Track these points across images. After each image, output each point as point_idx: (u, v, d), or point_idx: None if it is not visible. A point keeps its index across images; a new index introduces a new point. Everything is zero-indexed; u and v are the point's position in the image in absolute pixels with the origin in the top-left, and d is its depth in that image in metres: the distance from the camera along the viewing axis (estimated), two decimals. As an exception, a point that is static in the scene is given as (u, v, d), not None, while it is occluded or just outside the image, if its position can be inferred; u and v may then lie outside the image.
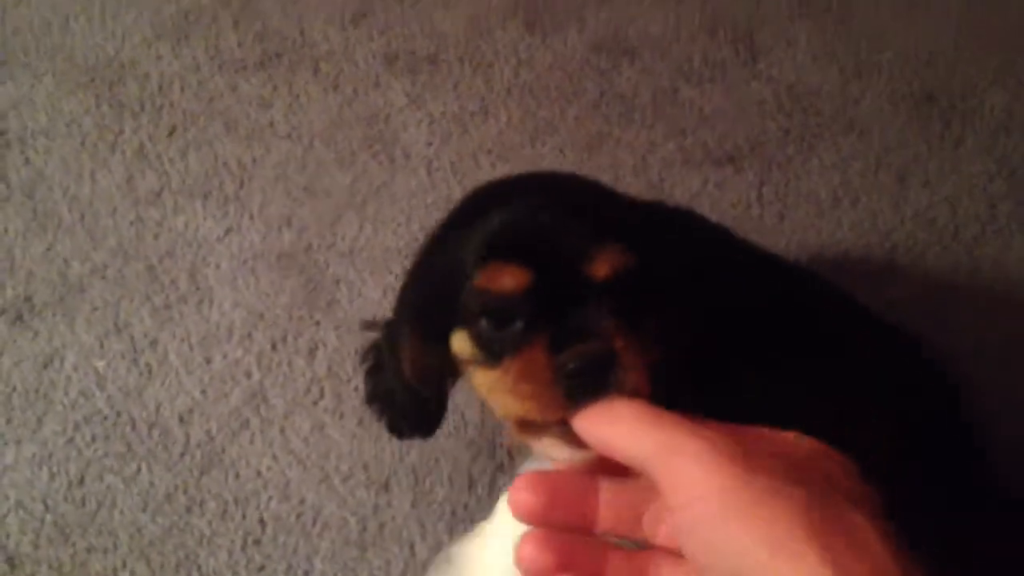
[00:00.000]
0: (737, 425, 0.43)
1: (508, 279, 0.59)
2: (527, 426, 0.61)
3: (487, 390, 0.63)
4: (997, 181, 1.23)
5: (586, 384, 0.53)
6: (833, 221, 1.21)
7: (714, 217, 1.16)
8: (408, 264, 0.76)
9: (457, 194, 1.22)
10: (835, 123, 1.31)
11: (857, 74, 1.36)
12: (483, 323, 0.61)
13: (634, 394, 0.52)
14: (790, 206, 1.22)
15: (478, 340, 0.63)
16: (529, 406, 0.58)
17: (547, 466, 0.53)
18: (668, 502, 0.41)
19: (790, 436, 0.43)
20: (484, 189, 0.73)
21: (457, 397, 1.02)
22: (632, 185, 1.25)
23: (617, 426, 0.46)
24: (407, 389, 0.75)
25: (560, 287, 0.58)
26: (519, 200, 0.65)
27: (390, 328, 0.77)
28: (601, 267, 0.58)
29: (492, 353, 0.62)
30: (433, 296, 0.68)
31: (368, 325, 0.82)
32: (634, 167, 1.27)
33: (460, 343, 0.65)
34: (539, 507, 0.47)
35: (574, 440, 0.53)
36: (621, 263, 0.59)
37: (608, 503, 0.48)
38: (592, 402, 0.52)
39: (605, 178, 1.25)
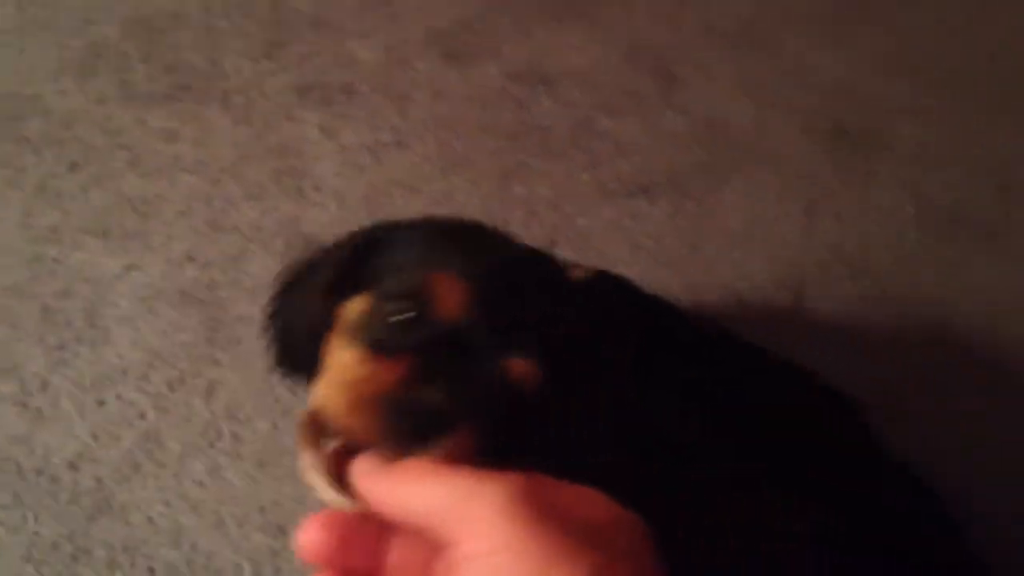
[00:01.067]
0: (548, 477, 0.41)
1: (453, 299, 0.57)
2: (316, 429, 0.57)
3: (333, 361, 0.60)
4: (906, 212, 1.24)
5: (404, 432, 0.51)
6: (745, 252, 1.20)
7: (627, 248, 1.16)
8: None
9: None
10: (749, 156, 1.31)
11: (772, 107, 1.36)
12: (390, 306, 0.59)
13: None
14: (703, 237, 1.22)
15: (371, 316, 0.60)
16: (343, 402, 0.54)
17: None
18: (461, 549, 0.38)
19: (601, 498, 0.41)
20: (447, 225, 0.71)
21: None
22: (546, 217, 1.24)
23: (403, 483, 0.43)
24: (300, 327, 0.72)
25: (475, 334, 0.56)
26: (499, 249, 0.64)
27: (312, 264, 0.75)
28: (515, 369, 0.57)
29: (369, 336, 0.59)
30: (365, 256, 0.66)
31: (307, 247, 0.79)
32: (549, 199, 1.26)
33: (357, 306, 0.62)
34: (329, 549, 0.44)
35: (339, 479, 0.50)
36: (529, 375, 0.58)
37: (400, 549, 0.45)
38: (397, 451, 0.49)
39: (519, 210, 1.25)
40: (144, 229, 1.20)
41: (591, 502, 0.40)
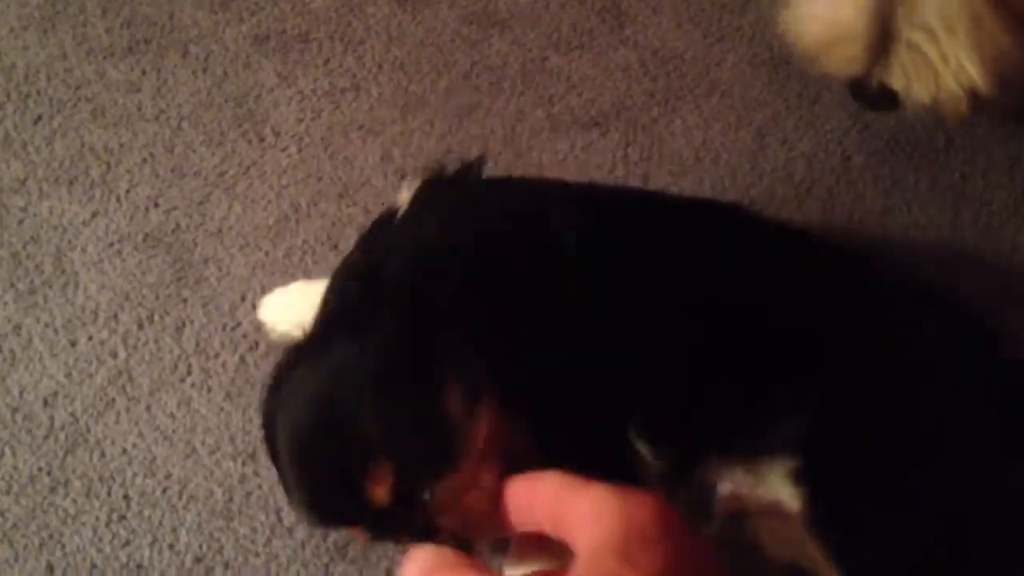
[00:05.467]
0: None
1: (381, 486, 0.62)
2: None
3: None
4: (851, 135, 1.27)
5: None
6: (695, 180, 1.24)
7: (580, 178, 1.19)
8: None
9: (328, 170, 1.24)
10: (698, 86, 1.34)
11: (719, 38, 1.39)
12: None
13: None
14: (653, 166, 1.25)
15: None
16: None
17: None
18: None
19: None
20: None
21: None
22: (502, 154, 1.27)
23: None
24: None
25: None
26: None
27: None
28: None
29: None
30: None
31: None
32: (503, 136, 1.29)
33: None
34: None
35: None
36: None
37: None
38: None
39: (475, 148, 1.28)
40: (109, 177, 1.23)
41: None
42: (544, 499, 0.50)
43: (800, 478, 0.73)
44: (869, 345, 0.80)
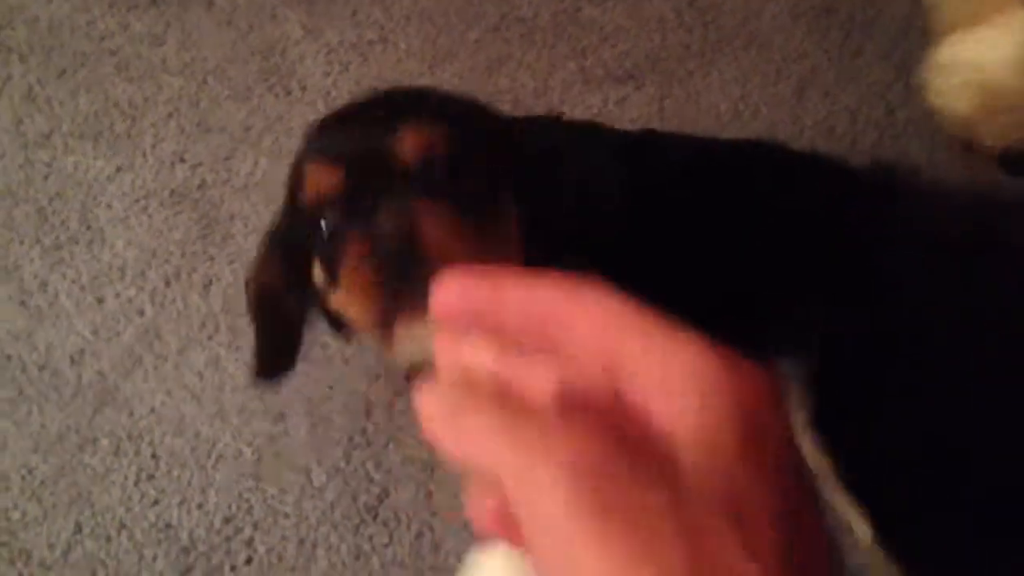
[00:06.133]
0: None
1: (322, 180, 0.58)
2: (380, 331, 0.60)
3: (340, 311, 0.62)
4: (895, 88, 1.23)
5: (402, 273, 0.52)
6: (733, 134, 1.20)
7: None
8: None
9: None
10: (736, 37, 1.30)
11: (761, -8, 1.35)
12: (320, 236, 0.60)
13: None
14: (690, 121, 1.22)
15: (322, 261, 0.62)
16: (361, 311, 0.57)
17: None
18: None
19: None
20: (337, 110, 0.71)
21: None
22: (533, 107, 1.24)
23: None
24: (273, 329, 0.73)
25: (373, 180, 0.56)
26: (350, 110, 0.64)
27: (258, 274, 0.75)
28: (407, 145, 0.57)
29: (332, 272, 0.60)
30: (293, 230, 0.67)
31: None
32: (535, 89, 1.26)
33: (317, 272, 0.64)
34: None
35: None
36: (428, 138, 0.57)
37: None
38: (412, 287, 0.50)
39: (506, 102, 1.24)
40: (134, 132, 1.21)
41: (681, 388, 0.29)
42: (576, 311, 0.31)
43: (811, 381, 0.75)
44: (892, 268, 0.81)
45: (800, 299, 0.79)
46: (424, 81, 1.27)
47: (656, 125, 1.21)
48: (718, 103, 1.23)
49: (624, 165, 0.79)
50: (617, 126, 1.17)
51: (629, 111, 1.23)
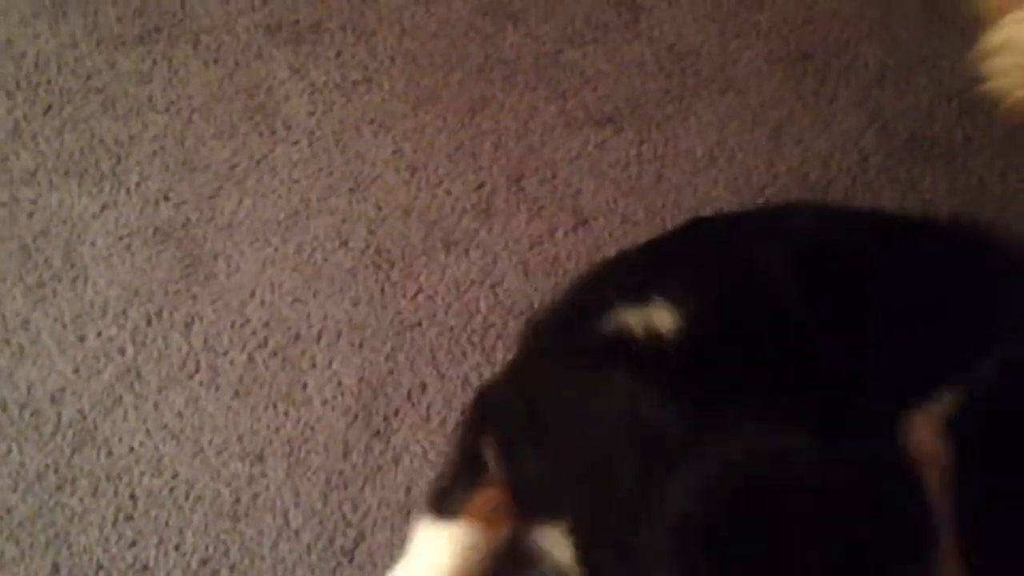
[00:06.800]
0: None
1: None
2: None
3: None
4: (868, 135, 1.26)
5: None
6: (709, 179, 1.23)
7: (593, 178, 1.18)
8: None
9: (339, 164, 1.23)
10: (713, 82, 1.32)
11: (736, 34, 1.37)
12: None
13: None
14: (668, 165, 1.24)
15: None
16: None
17: None
18: None
19: None
20: None
21: (336, 363, 1.03)
22: (513, 149, 1.26)
23: None
24: None
25: None
26: None
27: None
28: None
29: None
30: None
31: None
32: (516, 131, 1.28)
33: None
34: None
35: None
36: None
37: None
38: None
39: (487, 143, 1.26)
40: (119, 170, 1.23)
41: None
42: None
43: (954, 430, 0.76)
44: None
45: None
46: (408, 123, 1.29)
47: (634, 168, 1.24)
48: (695, 148, 1.26)
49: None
50: (596, 168, 1.20)
51: (608, 154, 1.25)
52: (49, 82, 1.33)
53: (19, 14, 1.41)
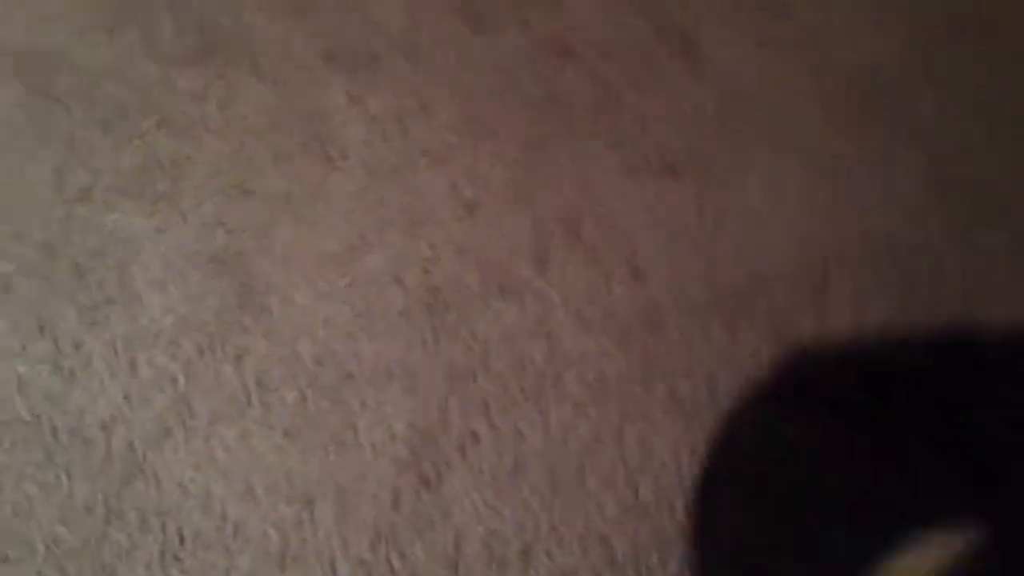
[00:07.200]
0: None
1: None
2: None
3: None
4: (932, 202, 1.24)
5: None
6: (769, 236, 1.22)
7: (650, 227, 1.17)
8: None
9: (395, 197, 1.22)
10: (774, 134, 1.31)
11: (799, 89, 1.36)
12: None
13: None
14: (727, 218, 1.23)
15: None
16: None
17: None
18: None
19: None
20: None
21: (387, 406, 1.02)
22: (570, 194, 1.25)
23: None
24: None
25: None
26: None
27: None
28: None
29: None
30: None
31: None
32: (573, 173, 1.27)
33: None
34: None
35: None
36: None
37: None
38: None
39: (543, 185, 1.25)
40: (174, 191, 1.22)
41: None
42: None
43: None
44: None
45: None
46: (464, 155, 1.28)
47: (692, 221, 1.23)
48: (756, 204, 1.25)
49: None
50: (654, 217, 1.18)
51: (667, 204, 1.24)
52: (106, 96, 1.32)
53: (76, 25, 1.40)
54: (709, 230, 1.22)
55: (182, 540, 0.97)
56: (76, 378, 1.07)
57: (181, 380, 1.07)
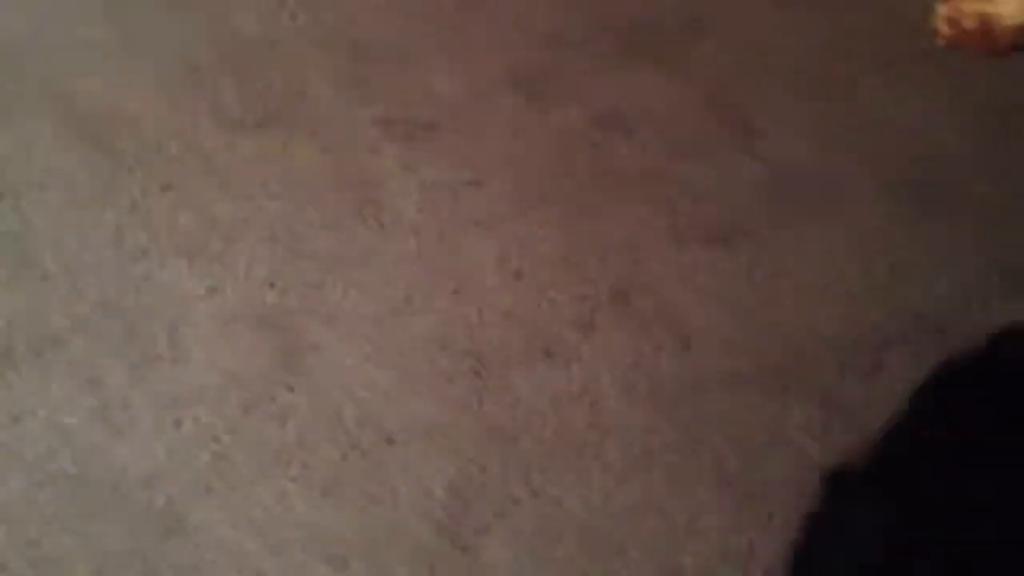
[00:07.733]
0: None
1: None
2: None
3: None
4: (990, 277, 1.21)
5: None
6: (822, 310, 1.20)
7: (700, 297, 1.16)
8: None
9: (444, 264, 1.22)
10: (826, 208, 1.30)
11: (852, 161, 1.35)
12: None
13: None
14: (778, 291, 1.21)
15: None
16: None
17: None
18: None
19: None
20: None
21: (427, 467, 1.01)
22: (620, 262, 1.25)
23: None
24: None
25: None
26: None
27: None
28: None
29: None
30: None
31: None
32: (623, 243, 1.27)
33: None
34: None
35: None
36: None
37: None
38: None
39: (593, 254, 1.25)
40: (228, 252, 1.24)
41: None
42: None
43: None
44: None
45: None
46: (513, 223, 1.28)
47: (743, 292, 1.21)
48: (807, 275, 1.23)
49: None
50: (704, 287, 1.17)
51: (718, 275, 1.23)
52: (168, 159, 1.36)
53: (144, 89, 1.45)
54: (760, 302, 1.20)
55: (216, 598, 0.96)
56: (122, 433, 1.08)
57: (225, 438, 1.08)
